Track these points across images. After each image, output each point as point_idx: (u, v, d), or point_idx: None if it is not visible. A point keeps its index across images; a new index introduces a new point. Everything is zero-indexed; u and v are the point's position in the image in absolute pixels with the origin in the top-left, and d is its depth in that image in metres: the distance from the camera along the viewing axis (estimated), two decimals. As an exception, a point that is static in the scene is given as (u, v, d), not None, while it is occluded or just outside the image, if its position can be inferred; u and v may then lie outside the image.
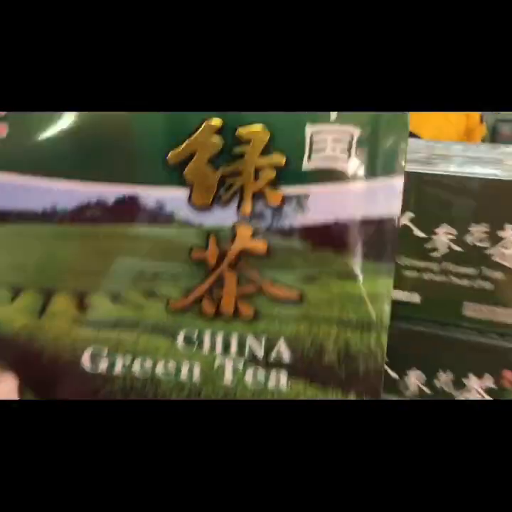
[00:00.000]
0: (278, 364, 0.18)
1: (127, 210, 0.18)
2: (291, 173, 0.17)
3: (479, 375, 0.24)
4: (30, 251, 0.19)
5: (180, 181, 0.18)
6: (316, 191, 0.17)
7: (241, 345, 0.18)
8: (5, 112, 0.18)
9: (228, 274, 0.18)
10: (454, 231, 0.22)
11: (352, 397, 0.18)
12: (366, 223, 0.17)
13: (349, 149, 0.17)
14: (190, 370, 0.19)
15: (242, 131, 0.17)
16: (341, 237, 0.17)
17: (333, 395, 0.18)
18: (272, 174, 0.17)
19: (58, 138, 0.18)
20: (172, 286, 0.18)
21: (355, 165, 0.17)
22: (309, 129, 0.17)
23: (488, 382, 0.24)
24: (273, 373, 0.18)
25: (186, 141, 0.17)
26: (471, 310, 0.23)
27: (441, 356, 0.24)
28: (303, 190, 0.17)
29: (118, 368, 0.19)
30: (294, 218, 0.17)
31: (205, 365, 0.19)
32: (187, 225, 0.18)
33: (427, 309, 0.23)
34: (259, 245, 0.18)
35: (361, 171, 0.17)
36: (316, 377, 0.18)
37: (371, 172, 0.17)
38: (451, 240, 0.22)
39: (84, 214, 0.18)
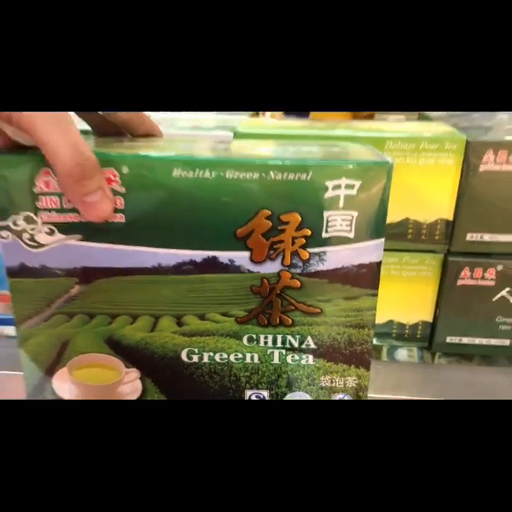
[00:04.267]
0: (307, 350, 0.30)
1: (210, 265, 0.28)
2: (314, 240, 0.27)
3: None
4: (145, 291, 0.29)
5: (245, 247, 0.28)
6: (330, 250, 0.28)
7: (283, 341, 0.30)
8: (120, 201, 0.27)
9: (275, 299, 0.29)
10: None
11: (353, 366, 0.30)
12: (361, 267, 0.28)
13: (350, 225, 0.27)
14: (252, 357, 0.30)
15: (285, 217, 0.27)
16: (346, 276, 0.28)
17: (341, 367, 0.30)
18: (302, 241, 0.27)
19: (168, 219, 0.27)
20: (239, 308, 0.29)
21: (354, 233, 0.27)
22: (326, 214, 0.27)
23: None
24: (303, 356, 0.30)
25: (248, 224, 0.27)
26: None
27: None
28: (322, 250, 0.28)
29: (205, 359, 0.30)
30: (316, 267, 0.28)
31: (261, 353, 0.30)
32: (250, 272, 0.28)
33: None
34: (295, 283, 0.28)
35: (359, 236, 0.28)
36: (330, 357, 0.30)
37: (364, 236, 0.28)
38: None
39: (180, 269, 0.28)
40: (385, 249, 0.35)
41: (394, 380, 0.37)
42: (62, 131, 0.23)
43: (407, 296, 0.39)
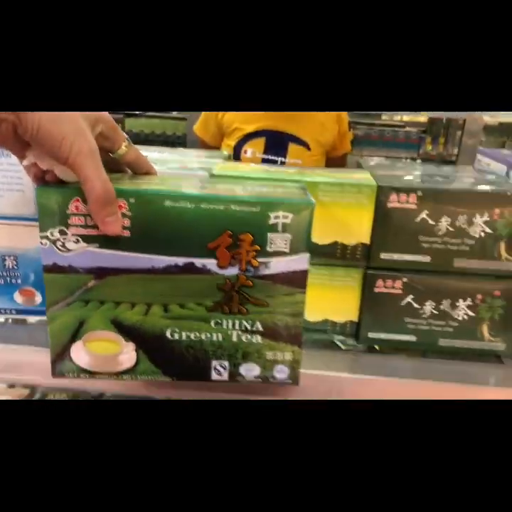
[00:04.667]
0: (257, 332, 0.42)
1: (189, 268, 0.40)
2: (262, 253, 0.40)
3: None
4: (141, 286, 0.40)
5: (214, 256, 0.40)
6: (273, 260, 0.40)
7: (240, 325, 0.42)
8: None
9: (235, 294, 0.41)
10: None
11: (289, 344, 0.42)
12: (294, 272, 0.40)
13: (286, 243, 0.40)
14: (217, 336, 0.42)
15: (242, 236, 0.39)
16: (284, 279, 0.40)
17: (281, 344, 0.42)
18: (253, 254, 0.40)
19: (160, 234, 0.39)
20: (209, 300, 0.41)
21: (289, 249, 0.40)
22: (269, 235, 0.39)
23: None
24: (255, 335, 0.42)
25: (216, 240, 0.39)
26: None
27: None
28: (267, 260, 0.40)
29: (183, 337, 0.42)
30: (263, 272, 0.40)
31: (224, 334, 0.42)
32: (217, 274, 0.40)
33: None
34: (248, 282, 0.40)
35: (293, 251, 0.40)
36: (273, 337, 0.42)
37: (296, 251, 0.40)
38: (335, 266, 0.46)
39: (167, 270, 0.40)
40: (319, 264, 0.48)
41: (326, 361, 0.49)
42: (97, 169, 0.35)
43: (337, 301, 0.51)
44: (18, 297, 0.52)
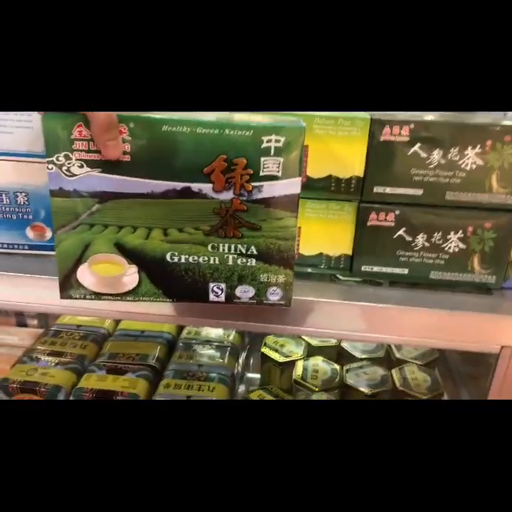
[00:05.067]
0: (251, 256, 0.44)
1: (186, 192, 0.42)
2: (255, 177, 0.42)
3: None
4: (141, 210, 0.43)
5: (209, 181, 0.42)
6: (265, 184, 0.42)
7: (235, 248, 0.44)
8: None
9: (230, 219, 0.43)
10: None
11: (282, 267, 0.44)
12: (286, 196, 0.42)
13: (278, 167, 0.42)
14: (214, 259, 0.44)
15: (236, 160, 0.41)
16: (276, 203, 0.42)
17: (274, 267, 0.44)
18: (247, 178, 0.42)
19: (158, 159, 0.41)
20: (205, 224, 0.43)
21: (281, 173, 0.42)
22: (262, 159, 0.41)
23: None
24: (249, 259, 0.44)
25: (211, 164, 0.41)
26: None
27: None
28: (260, 184, 0.42)
29: (182, 260, 0.44)
30: (257, 196, 0.42)
31: (220, 257, 0.44)
32: (212, 198, 0.42)
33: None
34: (242, 206, 0.43)
35: (284, 175, 0.42)
36: (267, 260, 0.44)
37: (287, 175, 0.42)
38: (328, 196, 0.48)
39: (165, 194, 0.42)
40: (314, 198, 0.50)
41: (319, 290, 0.51)
42: None
43: (332, 234, 0.53)
44: (29, 233, 0.55)
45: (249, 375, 0.82)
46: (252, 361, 0.85)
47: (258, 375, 0.79)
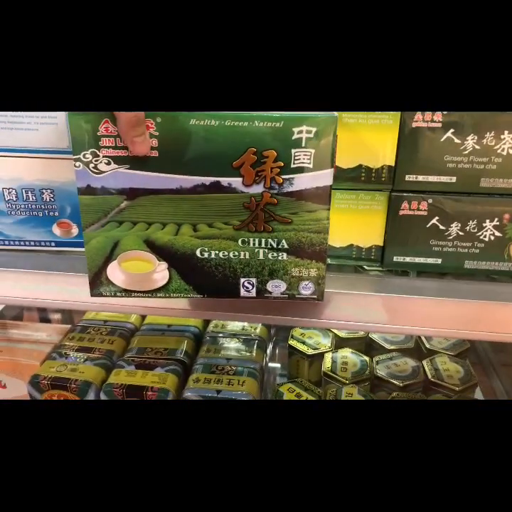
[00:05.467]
0: (282, 250, 0.43)
1: (215, 187, 0.41)
2: (286, 170, 0.41)
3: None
4: (170, 206, 0.42)
5: (239, 174, 0.41)
6: (296, 177, 0.41)
7: (266, 242, 0.43)
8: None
9: (260, 213, 0.42)
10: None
11: (314, 261, 0.43)
12: (318, 188, 0.41)
13: (310, 158, 0.40)
14: (244, 254, 0.43)
15: (266, 153, 0.40)
16: (308, 195, 0.41)
17: (306, 261, 0.43)
18: (277, 170, 0.41)
19: (186, 154, 0.40)
20: (235, 219, 0.42)
21: (312, 164, 0.41)
22: (293, 151, 0.40)
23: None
24: (280, 253, 0.43)
25: (240, 158, 0.40)
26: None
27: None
28: (291, 176, 0.41)
29: (212, 255, 0.44)
30: (288, 188, 0.41)
31: (251, 252, 0.43)
32: (242, 192, 0.41)
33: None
34: (273, 200, 0.42)
35: (316, 166, 0.41)
36: (298, 254, 0.43)
37: (319, 167, 0.41)
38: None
39: (194, 189, 0.41)
40: (344, 189, 0.49)
41: (351, 282, 0.50)
42: None
43: (362, 225, 0.52)
44: (56, 230, 0.55)
45: (271, 364, 0.82)
46: (277, 351, 0.84)
47: (278, 365, 0.79)
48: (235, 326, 0.76)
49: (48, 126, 0.51)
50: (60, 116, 0.50)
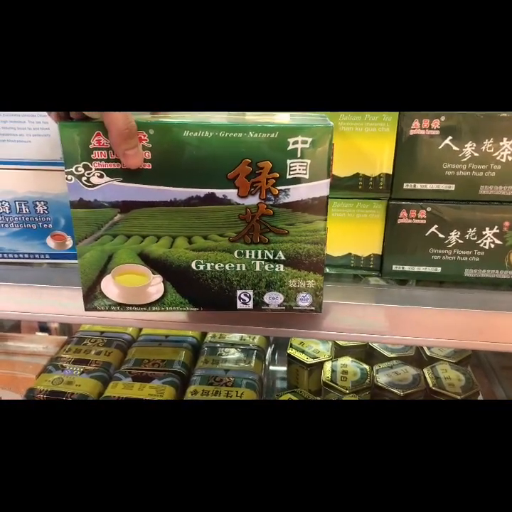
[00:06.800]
0: (279, 261, 0.42)
1: (210, 199, 0.41)
2: (281, 181, 0.40)
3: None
4: (165, 219, 0.41)
5: (234, 186, 0.40)
6: (292, 187, 0.40)
7: (262, 254, 0.42)
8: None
9: (256, 224, 0.41)
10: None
11: (311, 272, 0.42)
12: (314, 199, 0.41)
13: (305, 169, 0.40)
14: (241, 266, 0.43)
15: (261, 164, 0.39)
16: (304, 206, 0.41)
17: (303, 272, 0.42)
18: (273, 181, 0.40)
19: (180, 166, 0.40)
20: (231, 231, 0.42)
21: (308, 175, 0.40)
22: (288, 161, 0.39)
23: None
24: (277, 265, 0.43)
25: (235, 169, 0.40)
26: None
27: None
28: (286, 187, 0.40)
29: (208, 268, 0.43)
30: (283, 199, 0.40)
31: (247, 263, 0.43)
32: (237, 204, 0.41)
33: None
34: (269, 211, 0.41)
35: (312, 177, 0.40)
36: (295, 265, 0.42)
37: (315, 177, 0.40)
38: (357, 196, 0.46)
39: (189, 202, 0.41)
40: (341, 197, 0.48)
41: (350, 293, 0.49)
42: None
43: (360, 234, 0.51)
44: (50, 242, 0.54)
45: (271, 367, 0.81)
46: (276, 357, 0.84)
47: (280, 368, 0.79)
48: (234, 336, 0.75)
49: (41, 138, 0.50)
50: (53, 128, 0.49)
